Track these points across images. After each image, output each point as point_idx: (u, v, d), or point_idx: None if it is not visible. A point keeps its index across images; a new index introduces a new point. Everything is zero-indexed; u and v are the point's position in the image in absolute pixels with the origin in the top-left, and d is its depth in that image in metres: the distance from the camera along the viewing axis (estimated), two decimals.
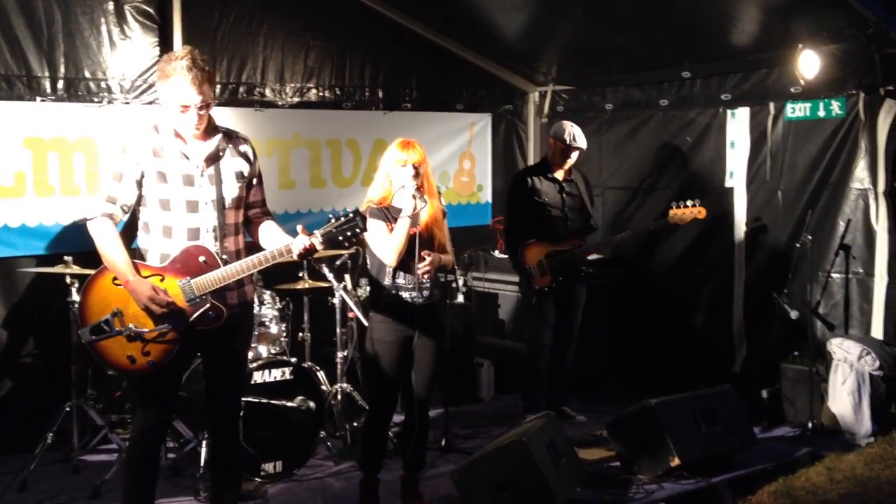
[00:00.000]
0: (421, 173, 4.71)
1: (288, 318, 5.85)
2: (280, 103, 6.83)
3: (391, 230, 4.66)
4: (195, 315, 3.92)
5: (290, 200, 6.87)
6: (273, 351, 5.62)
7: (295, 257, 3.98)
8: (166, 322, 3.87)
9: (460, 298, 7.30)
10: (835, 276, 6.37)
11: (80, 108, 5.94)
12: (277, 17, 6.76)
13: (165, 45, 6.29)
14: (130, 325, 3.86)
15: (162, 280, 3.89)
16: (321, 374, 6.01)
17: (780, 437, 6.12)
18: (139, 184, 3.93)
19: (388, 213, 4.73)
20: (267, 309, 5.64)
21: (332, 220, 3.95)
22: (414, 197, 4.60)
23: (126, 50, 6.13)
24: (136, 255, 4.00)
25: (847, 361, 6.00)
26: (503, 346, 7.36)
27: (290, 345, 5.94)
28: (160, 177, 3.92)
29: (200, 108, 3.87)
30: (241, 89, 6.68)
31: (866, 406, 5.94)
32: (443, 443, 5.82)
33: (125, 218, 4.03)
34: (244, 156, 4.12)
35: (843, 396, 5.99)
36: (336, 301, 6.00)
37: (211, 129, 4.02)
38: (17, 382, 5.87)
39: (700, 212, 6.19)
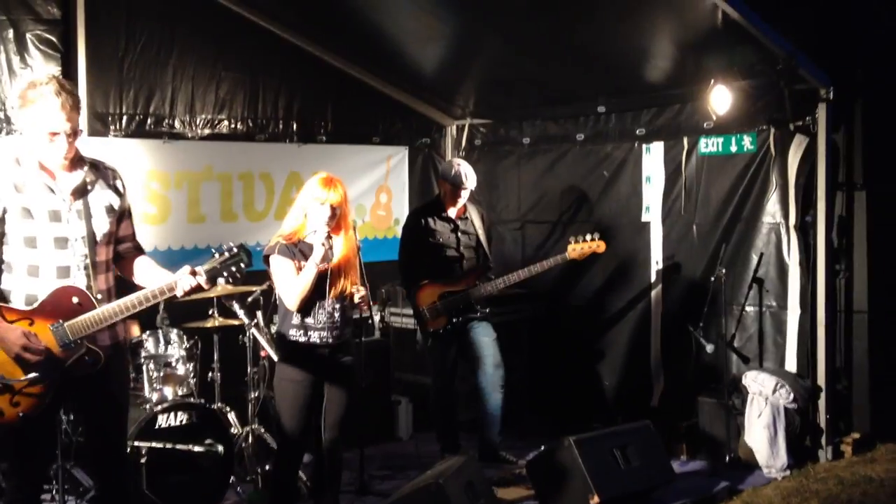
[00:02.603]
0: (338, 214, 4.61)
1: (196, 358, 5.64)
2: (190, 135, 6.64)
3: (299, 269, 4.53)
4: (70, 361, 3.67)
5: (200, 235, 6.66)
6: (181, 392, 5.40)
7: (179, 295, 3.78)
8: (38, 371, 3.60)
9: (377, 335, 7.15)
10: (749, 309, 6.43)
11: None
12: (187, 47, 6.58)
13: (69, 75, 6.05)
14: None
15: (31, 324, 3.63)
16: (232, 416, 5.82)
17: (697, 472, 6.13)
18: (1, 221, 3.68)
19: (297, 251, 4.60)
20: (173, 349, 5.43)
21: (216, 256, 3.79)
22: (323, 245, 4.51)
23: (26, 79, 5.85)
24: None
25: (762, 395, 6.03)
26: (422, 383, 7.22)
27: (200, 385, 5.72)
28: (24, 213, 3.67)
29: (70, 136, 3.65)
30: (150, 120, 6.48)
31: (782, 439, 5.98)
32: (359, 485, 5.64)
33: None
34: (114, 188, 3.89)
35: (759, 430, 6.02)
36: (247, 339, 5.80)
37: (77, 159, 3.79)
38: None
39: (599, 246, 6.18)
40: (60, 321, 3.65)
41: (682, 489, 5.60)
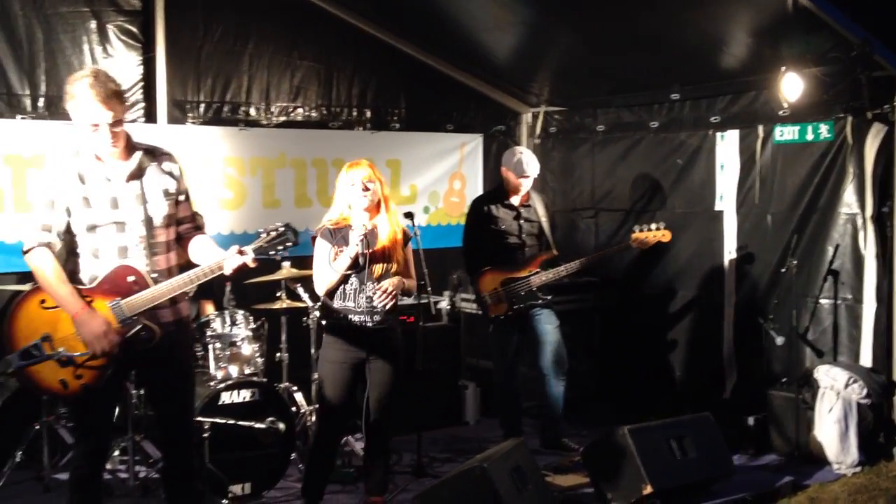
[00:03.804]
0: (372, 192, 4.68)
1: (263, 338, 5.80)
2: (265, 122, 6.83)
3: (337, 254, 4.63)
4: (128, 336, 3.86)
5: (275, 219, 6.58)
6: (247, 371, 5.58)
7: (227, 273, 3.92)
8: None
9: (445, 320, 7.23)
10: (823, 301, 6.26)
11: (60, 125, 5.94)
12: (263, 36, 6.78)
13: (149, 65, 6.32)
14: (61, 350, 3.80)
15: (91, 302, 3.83)
16: (299, 396, 5.97)
17: (764, 466, 6.00)
18: (68, 210, 3.86)
19: (340, 237, 4.70)
20: (239, 329, 5.60)
21: (263, 235, 3.93)
22: (358, 245, 4.58)
23: (108, 69, 6.11)
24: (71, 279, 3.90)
25: (834, 389, 5.87)
26: (490, 369, 7.27)
27: (268, 365, 5.90)
28: (85, 202, 3.85)
29: (112, 126, 3.78)
30: (226, 108, 6.71)
31: (853, 435, 5.81)
32: (416, 467, 5.74)
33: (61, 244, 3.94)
34: (169, 173, 4.05)
35: (830, 425, 5.87)
36: (311, 321, 5.95)
37: (130, 147, 3.95)
38: None
39: (664, 235, 6.10)
40: (118, 299, 3.84)
41: (744, 482, 5.49)
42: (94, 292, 3.85)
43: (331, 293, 4.70)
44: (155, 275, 3.93)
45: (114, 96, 3.78)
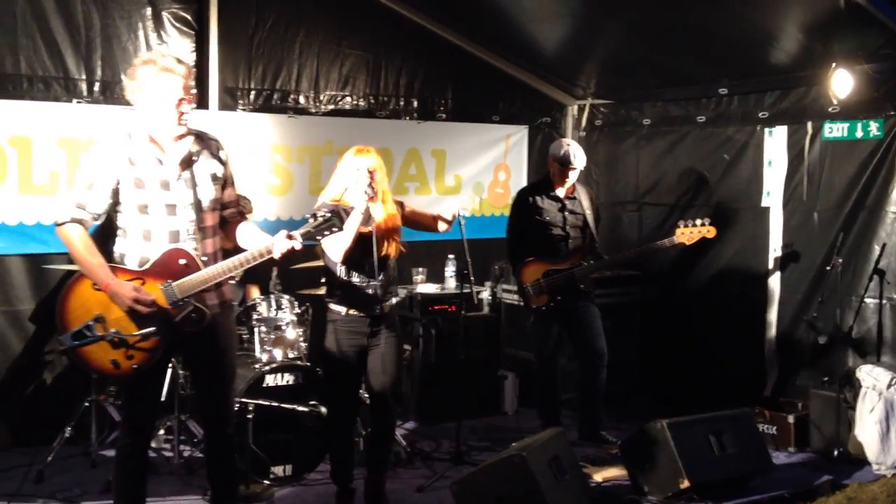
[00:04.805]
0: (377, 179, 4.74)
1: (307, 323, 5.89)
2: (313, 111, 6.92)
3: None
4: (178, 318, 3.94)
5: None
6: (291, 355, 5.67)
7: (276, 258, 3.99)
8: (151, 325, 3.89)
9: (486, 310, 7.27)
10: (868, 301, 6.20)
11: (115, 110, 6.07)
12: (313, 26, 6.86)
13: (202, 52, 6.43)
14: (113, 331, 3.88)
15: (143, 284, 3.91)
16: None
17: (803, 464, 5.99)
18: (115, 192, 3.94)
19: (342, 212, 4.75)
20: (284, 313, 5.69)
21: (311, 220, 4.01)
22: (365, 193, 4.61)
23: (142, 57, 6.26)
24: (110, 259, 3.98)
25: (876, 389, 5.84)
26: (530, 360, 7.30)
27: (311, 350, 5.98)
28: (138, 183, 3.93)
29: (179, 104, 3.90)
30: (276, 96, 6.80)
31: (894, 436, 5.77)
32: (454, 454, 5.80)
33: (95, 224, 4.02)
34: (217, 158, 4.13)
35: (871, 425, 5.83)
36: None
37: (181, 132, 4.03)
38: (40, 376, 6.04)
39: (709, 231, 6.05)
40: (170, 281, 3.93)
41: (782, 480, 5.48)
42: (145, 274, 3.93)
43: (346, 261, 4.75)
44: (205, 258, 4.01)
45: (185, 73, 3.91)
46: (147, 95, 3.92)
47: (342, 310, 4.80)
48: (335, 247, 4.67)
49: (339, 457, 4.96)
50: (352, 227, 4.62)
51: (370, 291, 4.78)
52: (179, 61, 3.94)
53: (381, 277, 4.77)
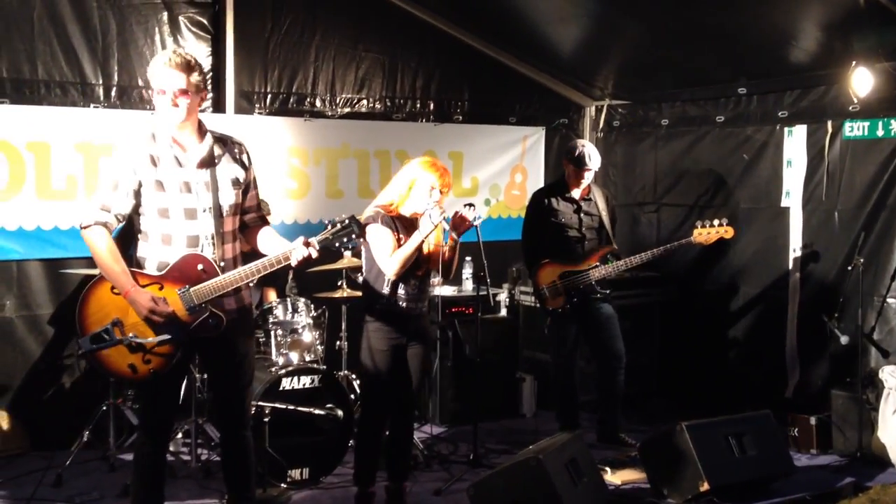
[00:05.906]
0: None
1: (323, 326, 5.89)
2: (329, 114, 6.92)
3: (398, 241, 4.67)
4: (195, 323, 3.94)
5: (338, 209, 6.73)
6: (307, 358, 5.67)
7: (294, 265, 3.98)
8: (167, 332, 3.89)
9: (503, 312, 7.25)
10: (891, 301, 6.14)
11: (132, 115, 6.11)
12: (329, 29, 6.86)
13: (218, 56, 6.45)
14: (131, 335, 3.89)
15: (161, 289, 3.91)
16: (358, 384, 6.04)
17: (825, 466, 5.93)
18: (137, 193, 3.93)
19: (397, 224, 4.75)
20: (300, 317, 5.69)
21: (329, 227, 3.95)
22: (440, 222, 4.62)
23: None
24: (131, 263, 3.99)
25: None
26: (548, 362, 7.27)
27: (327, 353, 5.99)
28: (158, 185, 3.92)
29: (179, 95, 3.84)
30: (292, 99, 6.80)
31: None
32: (471, 457, 5.78)
33: (119, 226, 4.03)
34: (240, 161, 4.11)
35: (893, 426, 5.76)
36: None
37: (202, 134, 4.02)
38: (59, 380, 6.06)
39: (727, 231, 6.00)
40: (187, 286, 3.92)
41: (804, 482, 5.44)
42: (163, 279, 3.93)
43: (383, 279, 4.75)
44: (222, 263, 4.00)
45: (186, 68, 3.87)
46: (152, 89, 3.92)
47: (383, 314, 4.79)
48: (392, 261, 4.66)
49: (367, 457, 4.94)
50: (411, 246, 4.65)
51: (410, 304, 4.81)
52: (183, 56, 3.89)
53: (422, 288, 4.85)
